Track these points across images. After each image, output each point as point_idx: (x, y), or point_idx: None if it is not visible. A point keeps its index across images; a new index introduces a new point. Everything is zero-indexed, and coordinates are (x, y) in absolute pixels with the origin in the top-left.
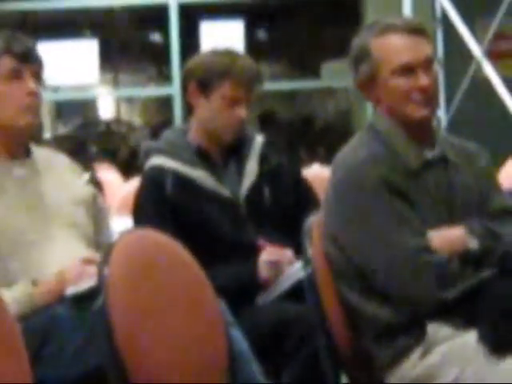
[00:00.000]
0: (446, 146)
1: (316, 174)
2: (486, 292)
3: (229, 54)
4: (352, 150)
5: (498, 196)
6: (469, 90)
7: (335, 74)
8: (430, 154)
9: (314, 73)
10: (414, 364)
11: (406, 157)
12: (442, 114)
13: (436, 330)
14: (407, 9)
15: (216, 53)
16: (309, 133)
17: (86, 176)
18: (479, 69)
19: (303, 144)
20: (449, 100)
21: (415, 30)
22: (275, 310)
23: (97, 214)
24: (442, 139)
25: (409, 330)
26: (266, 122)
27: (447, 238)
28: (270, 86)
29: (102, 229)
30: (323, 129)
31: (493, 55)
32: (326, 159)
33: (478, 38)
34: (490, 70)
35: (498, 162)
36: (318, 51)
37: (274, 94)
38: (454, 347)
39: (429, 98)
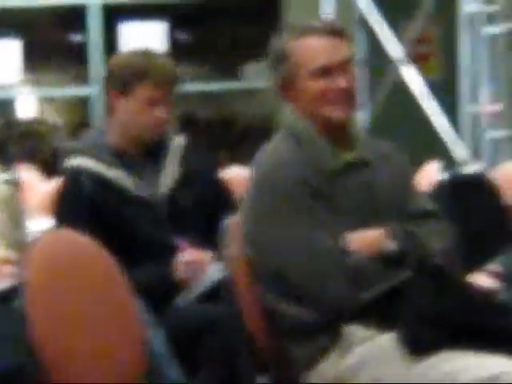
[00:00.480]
0: (365, 148)
1: (235, 175)
2: (404, 294)
3: (148, 54)
4: (270, 151)
5: (417, 198)
6: (390, 92)
7: (256, 75)
8: (348, 156)
9: (236, 74)
10: (332, 364)
11: (324, 159)
12: (363, 116)
13: (354, 331)
14: (328, 11)
15: (135, 53)
16: (229, 134)
17: (5, 176)
18: (399, 71)
19: (224, 145)
20: (370, 102)
21: (334, 32)
22: (193, 312)
23: (15, 214)
24: (361, 141)
25: (326, 331)
26: (187, 123)
27: (366, 239)
28: (191, 87)
29: (21, 229)
30: (244, 130)
31: (413, 58)
32: (246, 160)
33: (400, 41)
34: (409, 73)
35: (417, 164)
36: (239, 52)
37: (196, 96)
38: (371, 348)
39: (347, 99)
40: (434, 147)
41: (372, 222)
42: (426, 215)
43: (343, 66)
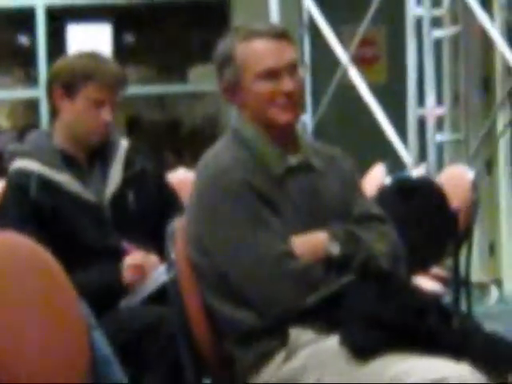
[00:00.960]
0: (311, 152)
1: (181, 178)
2: (348, 297)
3: (93, 56)
4: (216, 154)
5: (362, 201)
6: (335, 95)
7: (202, 78)
8: (293, 160)
9: (182, 77)
10: (277, 367)
11: (269, 162)
12: (308, 119)
13: (299, 334)
14: (274, 14)
15: (80, 56)
16: (176, 137)
17: None
18: (345, 74)
19: (170, 148)
20: (315, 105)
21: (279, 35)
22: (138, 313)
23: None
24: (306, 144)
25: (271, 334)
26: (133, 125)
27: (310, 243)
28: (137, 89)
29: None
30: (190, 133)
31: (359, 61)
32: (193, 163)
33: (345, 45)
34: (355, 76)
35: (363, 168)
36: (185, 55)
37: (142, 98)
38: (316, 351)
39: (293, 102)
40: (379, 150)
41: (316, 226)
42: (370, 218)
43: (289, 69)
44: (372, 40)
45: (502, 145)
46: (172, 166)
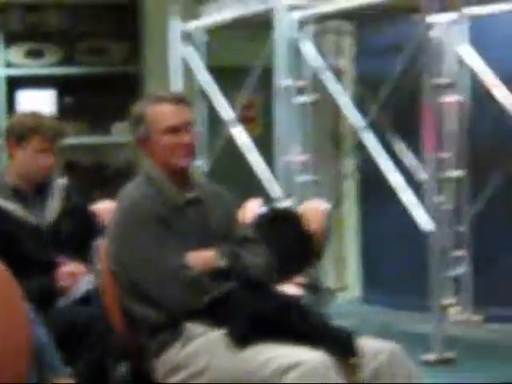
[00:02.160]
0: (202, 189)
1: (106, 207)
2: (231, 299)
3: (37, 115)
4: (130, 190)
5: (240, 227)
6: (225, 145)
7: (123, 132)
8: (189, 195)
9: (107, 131)
10: (175, 353)
11: (170, 196)
12: (204, 164)
13: (192, 327)
14: (177, 83)
15: (28, 114)
16: (103, 177)
17: None
18: (232, 129)
19: (98, 186)
20: (210, 152)
21: (179, 100)
22: (71, 312)
23: None
24: (199, 183)
25: (170, 328)
26: (70, 168)
27: (201, 257)
28: (73, 140)
29: None
30: (114, 174)
31: (241, 120)
32: (115, 197)
33: (231, 107)
34: (239, 131)
35: (244, 201)
36: (110, 115)
37: (77, 147)
38: (206, 341)
39: (189, 152)
40: (256, 188)
41: (206, 245)
42: (247, 240)
43: (186, 126)
44: (252, 104)
45: (349, 184)
46: (98, 200)
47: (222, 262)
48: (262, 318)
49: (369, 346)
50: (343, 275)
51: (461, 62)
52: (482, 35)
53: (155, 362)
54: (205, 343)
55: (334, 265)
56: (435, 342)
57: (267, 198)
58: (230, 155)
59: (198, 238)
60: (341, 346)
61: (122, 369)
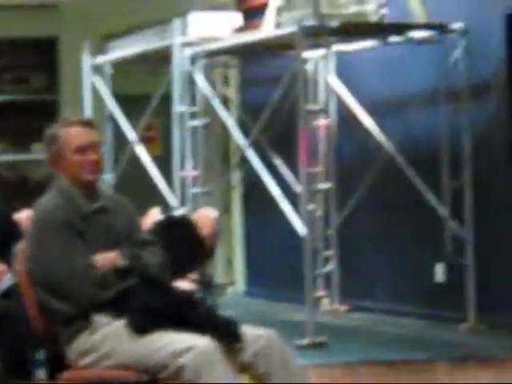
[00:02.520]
0: (108, 199)
1: (26, 216)
2: (131, 293)
3: None
4: (44, 201)
5: (140, 232)
6: (129, 161)
7: (42, 150)
8: (96, 205)
9: (28, 149)
10: (85, 340)
11: (79, 206)
12: (110, 178)
13: (99, 318)
14: (89, 110)
15: None
16: (24, 190)
17: None
18: (136, 148)
19: (20, 198)
20: (116, 168)
21: (87, 124)
22: None
23: None
24: (105, 195)
25: (80, 319)
26: None
27: (107, 258)
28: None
29: None
30: (35, 187)
31: (143, 140)
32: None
33: (134, 129)
34: (141, 150)
35: (146, 209)
36: (30, 135)
37: (2, 163)
38: (111, 329)
39: (96, 168)
40: (156, 198)
41: (111, 248)
42: (146, 243)
43: (93, 146)
44: (152, 126)
45: (235, 195)
46: (21, 209)
47: (124, 262)
48: (156, 309)
49: (250, 332)
50: (231, 272)
51: (329, 91)
52: (347, 68)
53: (68, 348)
54: (110, 331)
55: (223, 263)
56: (308, 329)
57: (165, 207)
58: (134, 170)
59: (104, 241)
60: (226, 332)
61: (40, 355)
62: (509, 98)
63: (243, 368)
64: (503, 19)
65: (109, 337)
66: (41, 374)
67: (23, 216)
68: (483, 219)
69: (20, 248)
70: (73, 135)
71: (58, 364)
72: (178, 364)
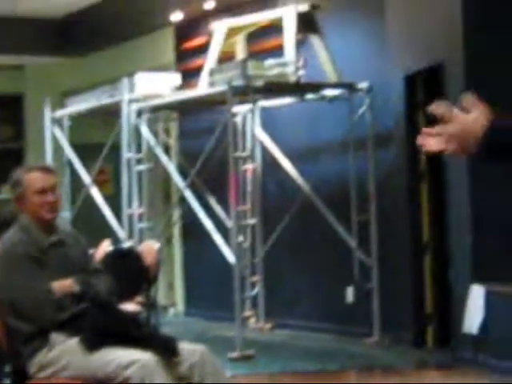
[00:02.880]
0: (64, 234)
1: None
2: (84, 315)
3: None
4: (9, 236)
5: (92, 262)
6: (84, 201)
7: (7, 191)
8: (53, 239)
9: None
10: (44, 356)
11: (38, 240)
12: (67, 215)
13: (56, 336)
14: (49, 157)
15: None
16: None
17: None
18: (90, 190)
19: None
20: (73, 206)
21: (46, 170)
22: None
23: None
24: (62, 230)
25: (40, 337)
26: None
27: (63, 285)
28: None
29: None
30: (3, 223)
31: (97, 183)
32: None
33: (89, 172)
34: (95, 191)
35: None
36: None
37: None
38: (66, 346)
39: (53, 208)
40: (107, 232)
41: (66, 276)
42: (97, 271)
43: (51, 189)
44: (104, 171)
45: (176, 229)
46: None
47: (78, 288)
48: (105, 329)
49: (186, 348)
50: (172, 295)
51: (255, 140)
52: (270, 121)
53: (29, 362)
54: (65, 348)
55: (165, 288)
56: (238, 344)
57: (115, 240)
58: (88, 208)
59: (61, 270)
60: (166, 348)
61: (7, 368)
62: (407, 147)
63: (180, 379)
64: (402, 80)
65: (65, 352)
66: None
67: None
68: (386, 249)
69: None
70: (34, 179)
71: (21, 376)
72: (125, 375)
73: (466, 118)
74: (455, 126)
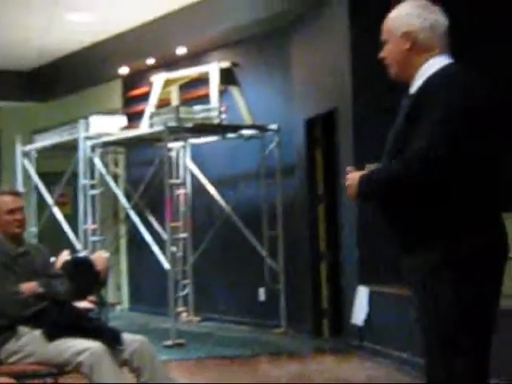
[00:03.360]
0: (29, 246)
1: None
2: (45, 311)
3: None
4: None
5: (53, 268)
6: (47, 218)
7: None
8: (21, 249)
9: None
10: (12, 345)
11: (9, 250)
12: (34, 230)
13: (22, 329)
14: (19, 183)
15: None
16: None
17: None
18: (53, 209)
19: None
20: (38, 222)
21: (15, 193)
22: None
23: None
24: (27, 243)
25: (9, 329)
26: None
27: (28, 287)
28: None
29: None
30: None
31: (58, 204)
32: None
33: (52, 196)
34: (57, 210)
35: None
36: None
37: None
38: (31, 336)
39: (21, 225)
40: (66, 244)
41: (32, 279)
42: (57, 275)
43: (19, 209)
44: (64, 194)
45: (122, 241)
46: None
47: (41, 289)
48: (62, 322)
49: (128, 338)
50: (119, 295)
51: (186, 170)
52: (198, 154)
53: (0, 349)
54: (30, 338)
55: (114, 288)
56: (172, 334)
57: (73, 250)
58: (51, 224)
59: (27, 274)
60: (112, 338)
61: None
62: (307, 176)
63: (123, 363)
64: (303, 122)
65: (29, 342)
66: None
67: None
68: (290, 258)
69: None
70: (5, 201)
71: None
72: (78, 360)
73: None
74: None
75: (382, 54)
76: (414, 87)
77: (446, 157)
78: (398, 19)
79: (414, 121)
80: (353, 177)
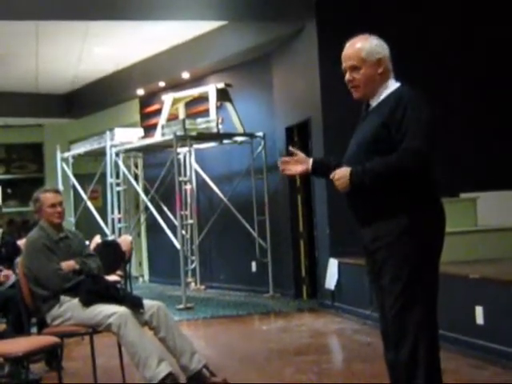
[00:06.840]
0: (67, 232)
1: (23, 242)
2: (82, 284)
3: None
4: (32, 234)
5: (88, 249)
6: (83, 211)
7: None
8: (61, 234)
9: (27, 204)
10: (56, 310)
11: (52, 236)
12: (72, 220)
13: (64, 298)
14: (59, 182)
15: None
16: (26, 227)
17: None
18: (87, 203)
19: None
20: (75, 213)
21: (56, 191)
22: (7, 292)
23: None
24: (67, 229)
25: (53, 298)
26: (9, 223)
27: (68, 264)
28: (13, 209)
29: None
30: (31, 225)
31: (90, 198)
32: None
33: (85, 191)
34: (90, 203)
35: (91, 236)
36: (29, 196)
37: (14, 212)
38: (71, 303)
39: (61, 216)
40: (98, 230)
41: (70, 258)
42: (91, 255)
43: (59, 203)
44: (96, 190)
45: (142, 227)
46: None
47: (77, 266)
48: (95, 292)
49: (148, 303)
50: (140, 269)
51: (192, 170)
52: (201, 157)
53: (46, 315)
54: (70, 305)
55: (136, 264)
56: (183, 299)
57: (103, 235)
58: (86, 215)
59: (66, 255)
60: (135, 304)
61: (34, 320)
62: None
63: (144, 323)
64: (284, 130)
65: (69, 308)
66: (34, 330)
67: (21, 243)
68: (276, 237)
69: (20, 260)
70: (47, 197)
71: (42, 324)
72: (108, 322)
73: (302, 156)
74: (299, 157)
75: (355, 77)
76: (376, 102)
77: (431, 153)
78: (372, 48)
79: (392, 123)
80: (341, 172)
